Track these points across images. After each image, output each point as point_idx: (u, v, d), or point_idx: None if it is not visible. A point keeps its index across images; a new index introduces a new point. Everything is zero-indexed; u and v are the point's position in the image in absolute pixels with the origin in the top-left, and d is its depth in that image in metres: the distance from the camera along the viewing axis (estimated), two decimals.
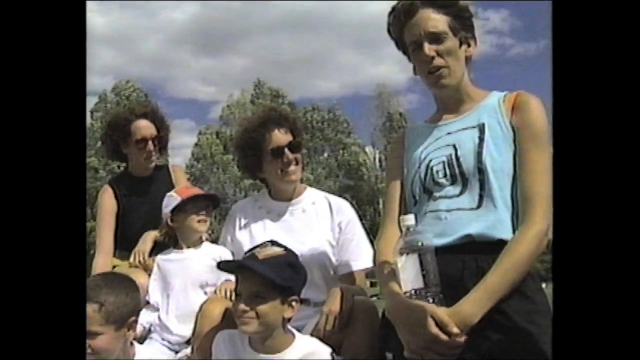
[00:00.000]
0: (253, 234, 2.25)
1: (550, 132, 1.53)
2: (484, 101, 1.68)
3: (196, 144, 39.95)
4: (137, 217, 2.65)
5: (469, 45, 1.70)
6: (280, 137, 2.19)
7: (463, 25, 1.68)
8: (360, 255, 2.21)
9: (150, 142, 2.72)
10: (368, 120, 42.04)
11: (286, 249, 1.78)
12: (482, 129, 1.60)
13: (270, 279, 1.65)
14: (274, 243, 1.79)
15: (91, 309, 1.61)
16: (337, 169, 42.20)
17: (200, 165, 38.64)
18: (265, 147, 2.21)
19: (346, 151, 40.90)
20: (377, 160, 41.74)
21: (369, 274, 2.24)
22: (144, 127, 2.72)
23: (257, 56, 60.02)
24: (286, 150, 2.19)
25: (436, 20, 1.65)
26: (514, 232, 1.49)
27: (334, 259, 2.20)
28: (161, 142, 2.80)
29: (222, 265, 1.83)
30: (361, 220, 2.36)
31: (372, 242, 2.08)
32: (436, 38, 1.64)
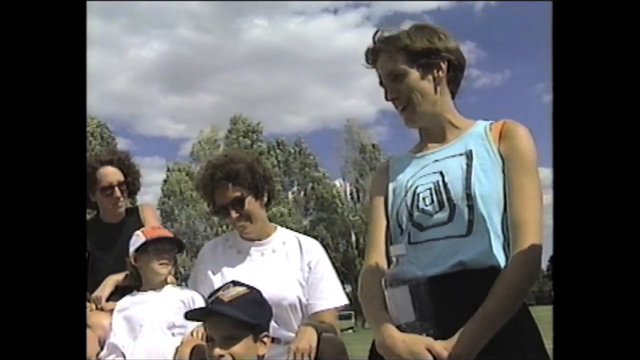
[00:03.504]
0: (224, 273, 2.24)
1: (536, 160, 1.53)
2: (470, 129, 1.65)
3: (165, 181, 39.76)
4: (105, 264, 2.57)
5: (440, 68, 1.63)
6: (227, 194, 2.20)
7: (422, 51, 1.61)
8: (330, 294, 2.23)
9: (117, 188, 2.66)
10: (338, 153, 42.35)
11: (249, 287, 1.79)
12: (469, 155, 1.57)
13: (240, 319, 1.66)
14: (235, 283, 1.80)
15: None
16: (306, 202, 42.33)
17: (170, 201, 38.40)
18: (216, 203, 2.25)
19: (318, 184, 41.10)
20: (349, 193, 41.98)
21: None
22: (109, 174, 2.66)
23: (226, 92, 60.36)
24: (229, 208, 2.21)
25: (391, 61, 1.62)
26: (505, 258, 1.46)
27: (303, 299, 2.21)
28: (129, 186, 2.75)
29: (190, 315, 1.84)
30: (331, 259, 2.39)
31: (343, 279, 2.11)
32: (394, 78, 1.62)
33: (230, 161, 2.22)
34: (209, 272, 2.28)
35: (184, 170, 39.30)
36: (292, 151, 42.90)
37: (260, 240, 2.31)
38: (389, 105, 1.67)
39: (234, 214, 2.20)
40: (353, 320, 42.64)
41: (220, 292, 1.76)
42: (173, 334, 2.14)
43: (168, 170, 40.16)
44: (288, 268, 2.24)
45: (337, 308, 2.25)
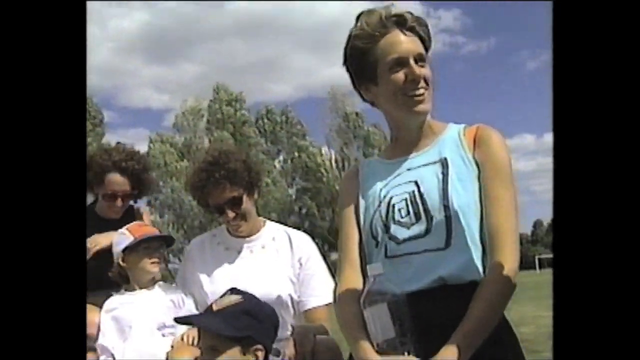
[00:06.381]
0: (211, 272, 2.21)
1: (510, 166, 1.51)
2: (443, 134, 1.60)
3: (148, 152, 39.50)
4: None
5: (430, 62, 1.60)
6: (224, 194, 2.15)
7: (428, 43, 1.59)
8: (322, 290, 2.20)
9: (120, 199, 2.57)
10: (323, 121, 42.27)
11: (245, 295, 1.75)
12: (444, 163, 1.52)
13: (217, 331, 1.64)
14: (233, 291, 1.77)
15: None
16: (292, 171, 42.41)
17: (154, 174, 38.21)
18: (211, 202, 2.20)
19: (303, 153, 41.10)
20: (334, 161, 42.03)
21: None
22: (117, 183, 2.54)
23: (209, 62, 59.69)
24: (226, 208, 2.16)
25: (419, 44, 1.55)
26: (484, 271, 1.43)
27: (295, 296, 2.18)
28: (133, 197, 2.65)
29: (179, 320, 1.84)
30: (322, 253, 2.35)
31: (333, 274, 2.07)
32: (421, 60, 1.54)
33: (227, 159, 2.16)
34: (197, 271, 2.24)
35: (168, 142, 39.06)
36: (279, 120, 42.75)
37: (249, 236, 2.27)
38: None
39: (230, 214, 2.16)
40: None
41: (216, 300, 1.73)
42: (163, 335, 2.10)
43: (151, 141, 39.85)
44: (278, 265, 2.21)
45: (329, 304, 2.19)
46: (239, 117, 39.21)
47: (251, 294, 1.77)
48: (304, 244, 2.29)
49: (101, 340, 2.12)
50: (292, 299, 2.17)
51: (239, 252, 2.24)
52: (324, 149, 42.43)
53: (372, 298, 1.36)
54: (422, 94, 1.53)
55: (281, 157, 44.27)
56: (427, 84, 1.54)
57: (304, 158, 40.70)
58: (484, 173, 1.49)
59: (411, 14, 1.56)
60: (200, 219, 37.24)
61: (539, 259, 62.65)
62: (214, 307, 1.69)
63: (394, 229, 1.51)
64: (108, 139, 41.20)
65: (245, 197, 2.16)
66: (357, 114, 41.60)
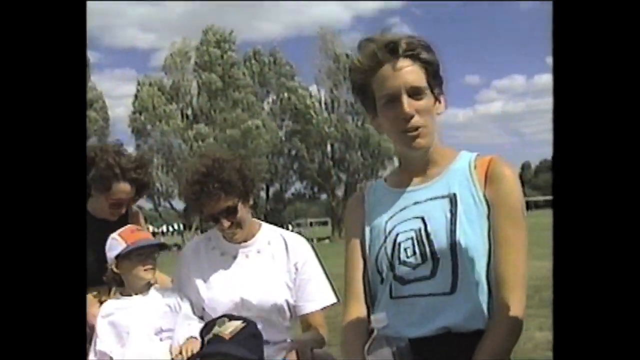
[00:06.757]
0: (207, 277, 2.21)
1: (524, 204, 1.47)
2: (453, 164, 1.54)
3: (135, 95, 38.96)
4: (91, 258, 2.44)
5: (440, 102, 1.53)
6: (219, 204, 2.12)
7: (437, 81, 1.51)
8: (318, 295, 2.21)
9: (124, 204, 2.55)
10: (312, 62, 41.65)
11: (244, 320, 1.84)
12: (453, 199, 1.47)
13: (243, 356, 1.75)
14: (230, 317, 1.86)
15: None
16: (281, 113, 42.13)
17: (142, 117, 37.79)
18: (205, 211, 2.17)
19: (292, 95, 40.69)
20: (323, 103, 41.71)
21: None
22: (125, 191, 2.50)
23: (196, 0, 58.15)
24: (221, 217, 2.14)
25: (417, 73, 1.47)
26: (489, 313, 1.42)
27: (291, 300, 2.19)
28: (134, 200, 2.63)
29: (205, 354, 1.89)
30: (318, 257, 2.34)
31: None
32: (416, 93, 1.46)
33: (220, 169, 2.12)
34: (193, 276, 2.24)
35: (156, 85, 38.50)
36: (267, 61, 42.11)
37: (245, 241, 2.26)
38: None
39: (225, 223, 2.14)
40: (330, 228, 43.62)
41: (217, 328, 1.79)
42: (161, 339, 2.11)
43: (139, 84, 39.27)
44: (274, 270, 2.21)
45: (325, 307, 2.23)
46: (227, 59, 38.57)
47: (248, 318, 1.86)
48: (300, 248, 2.27)
49: (99, 346, 2.13)
50: (288, 303, 2.18)
51: (235, 257, 2.24)
52: (313, 90, 42.03)
53: (376, 345, 1.38)
54: (417, 129, 1.47)
55: (270, 99, 43.86)
56: (425, 115, 1.47)
57: (293, 100, 40.32)
58: (495, 213, 1.44)
59: (410, 37, 1.50)
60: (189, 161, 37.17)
61: (527, 202, 63.33)
62: (225, 336, 1.78)
63: (399, 268, 1.48)
64: (94, 80, 40.59)
65: (240, 206, 2.15)
66: (347, 55, 40.96)
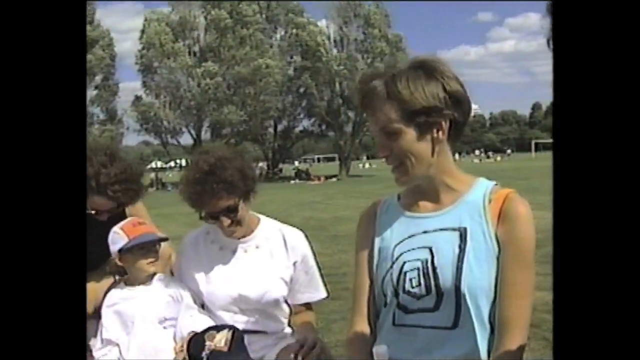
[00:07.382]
0: (206, 272, 2.26)
1: (534, 247, 1.44)
2: (467, 194, 1.51)
3: (142, 31, 38.43)
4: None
5: (440, 127, 1.45)
6: (220, 203, 2.13)
7: (422, 109, 1.42)
8: (312, 288, 2.30)
9: (104, 214, 2.41)
10: None
11: (227, 327, 1.96)
12: (463, 234, 1.45)
13: None
14: (219, 328, 1.97)
15: None
16: (290, 49, 41.51)
17: (149, 53, 37.41)
18: (205, 209, 2.18)
19: (300, 30, 39.99)
20: (332, 40, 41.06)
21: None
22: (99, 204, 2.38)
23: None
24: (221, 216, 2.15)
25: (386, 114, 1.44)
26: (489, 350, 1.42)
27: (287, 293, 2.27)
28: (125, 205, 2.51)
29: None
30: (313, 252, 2.40)
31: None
32: (391, 132, 1.44)
33: (223, 168, 2.12)
34: (192, 269, 2.29)
35: (163, 21, 37.90)
36: None
37: (244, 237, 2.29)
38: None
39: (225, 221, 2.15)
40: (337, 164, 43.59)
41: (210, 343, 1.90)
42: (165, 327, 2.19)
43: (146, 20, 38.66)
44: (273, 266, 2.25)
45: (319, 300, 2.33)
46: None
47: (232, 325, 1.99)
48: (299, 244, 2.31)
49: (105, 335, 2.21)
50: (285, 298, 2.25)
51: (234, 252, 2.28)
52: (323, 25, 41.26)
53: None
54: (394, 169, 1.50)
55: (278, 35, 43.15)
56: (404, 152, 1.46)
57: (302, 36, 39.69)
58: (505, 254, 1.42)
59: (387, 70, 1.50)
60: (198, 100, 36.97)
61: (535, 143, 63.14)
62: (223, 348, 1.89)
63: (403, 297, 1.49)
64: (99, 16, 39.92)
65: (241, 204, 2.17)
66: None
